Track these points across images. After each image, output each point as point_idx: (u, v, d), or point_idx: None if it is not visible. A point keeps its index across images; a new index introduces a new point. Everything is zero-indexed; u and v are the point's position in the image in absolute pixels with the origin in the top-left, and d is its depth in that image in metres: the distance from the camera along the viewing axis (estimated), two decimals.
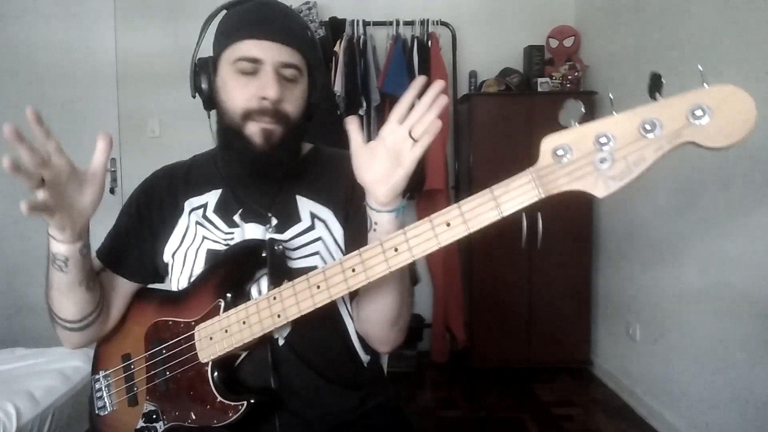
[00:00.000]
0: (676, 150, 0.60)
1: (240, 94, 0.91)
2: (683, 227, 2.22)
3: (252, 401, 0.89)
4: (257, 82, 0.89)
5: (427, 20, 3.05)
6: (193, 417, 0.92)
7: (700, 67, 0.59)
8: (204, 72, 0.95)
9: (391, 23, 3.06)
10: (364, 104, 2.93)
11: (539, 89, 2.96)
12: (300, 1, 3.04)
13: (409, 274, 0.92)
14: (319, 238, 0.98)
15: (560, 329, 3.00)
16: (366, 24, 3.02)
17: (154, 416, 0.96)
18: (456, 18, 3.16)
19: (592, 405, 2.65)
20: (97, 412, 1.03)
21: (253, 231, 0.98)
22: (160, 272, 1.05)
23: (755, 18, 1.83)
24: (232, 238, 0.98)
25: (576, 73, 2.97)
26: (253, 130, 0.91)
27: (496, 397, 2.75)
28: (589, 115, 0.60)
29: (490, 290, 2.99)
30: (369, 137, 2.95)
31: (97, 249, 1.04)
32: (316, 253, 0.97)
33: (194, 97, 0.99)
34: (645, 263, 2.51)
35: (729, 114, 0.57)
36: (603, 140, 0.62)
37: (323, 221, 0.99)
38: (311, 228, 0.98)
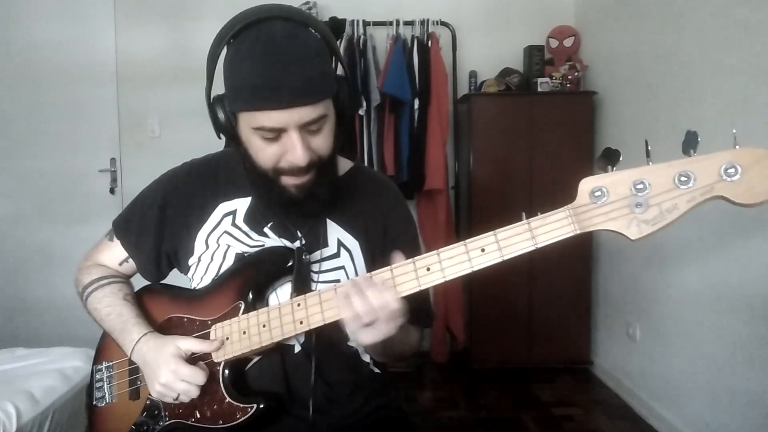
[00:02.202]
0: (706, 203, 0.63)
1: (266, 156, 0.85)
2: (683, 227, 2.21)
3: (261, 405, 0.89)
4: (282, 145, 0.84)
5: (427, 20, 3.04)
6: (198, 416, 0.92)
7: (734, 130, 0.62)
8: (222, 113, 0.88)
9: (391, 23, 3.05)
10: (364, 104, 2.92)
11: (539, 89, 2.96)
12: (300, 1, 3.04)
13: (415, 313, 0.89)
14: (342, 267, 0.98)
15: (560, 329, 2.99)
16: (366, 24, 3.02)
17: (156, 412, 0.96)
18: (456, 18, 3.16)
19: (592, 405, 2.65)
20: (95, 402, 1.02)
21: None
22: (165, 271, 1.06)
23: (756, 17, 1.83)
24: (262, 246, 0.97)
25: (576, 73, 2.96)
26: (288, 183, 0.87)
27: (496, 397, 2.75)
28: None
29: (490, 290, 2.98)
30: (369, 137, 2.96)
31: (115, 222, 1.06)
32: (338, 281, 0.97)
33: (219, 137, 0.93)
34: (645, 263, 2.51)
35: (759, 174, 0.61)
36: (639, 186, 0.65)
37: (349, 251, 0.98)
38: (336, 255, 0.98)
